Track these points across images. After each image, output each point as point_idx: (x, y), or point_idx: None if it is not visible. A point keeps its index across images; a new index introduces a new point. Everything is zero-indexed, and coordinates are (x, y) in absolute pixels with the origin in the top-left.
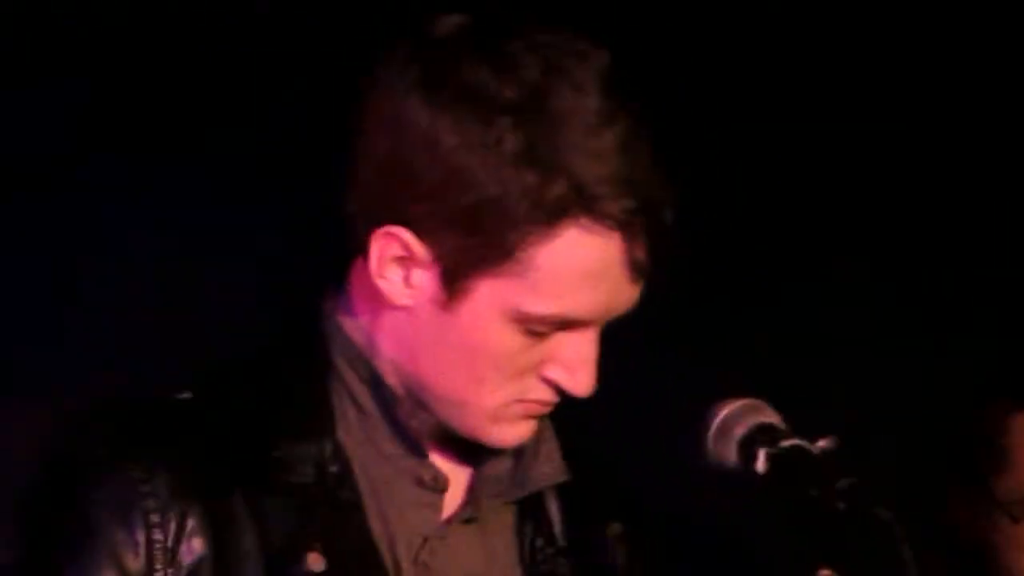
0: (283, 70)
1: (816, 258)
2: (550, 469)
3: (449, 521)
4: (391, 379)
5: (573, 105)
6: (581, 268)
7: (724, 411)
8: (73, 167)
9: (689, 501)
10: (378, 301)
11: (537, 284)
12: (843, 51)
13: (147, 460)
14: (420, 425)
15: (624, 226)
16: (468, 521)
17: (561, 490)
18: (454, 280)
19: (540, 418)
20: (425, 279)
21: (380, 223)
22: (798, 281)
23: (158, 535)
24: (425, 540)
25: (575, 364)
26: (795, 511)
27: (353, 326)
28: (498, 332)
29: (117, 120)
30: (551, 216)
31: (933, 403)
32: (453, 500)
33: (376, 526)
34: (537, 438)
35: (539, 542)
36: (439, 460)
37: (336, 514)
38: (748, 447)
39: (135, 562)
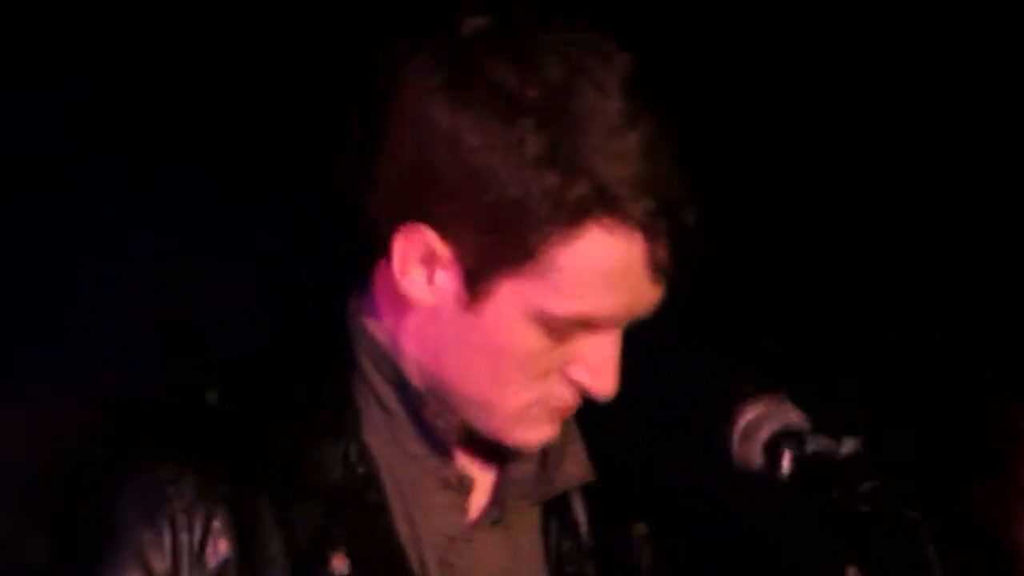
0: (283, 70)
1: (830, 252)
2: (576, 470)
3: (475, 522)
4: (416, 380)
5: (596, 106)
6: (603, 269)
7: (749, 413)
8: (73, 167)
9: (714, 501)
10: (401, 302)
11: (559, 285)
12: (851, 45)
13: (174, 461)
14: (446, 426)
15: (646, 227)
16: (494, 522)
17: (586, 491)
18: (476, 280)
19: (564, 419)
20: (448, 279)
21: (403, 223)
22: (812, 275)
23: (184, 536)
24: (451, 541)
25: (598, 365)
26: (821, 512)
27: (377, 327)
28: (521, 333)
29: (117, 120)
30: (573, 217)
31: (948, 397)
32: (479, 501)
33: (402, 527)
34: (562, 439)
35: (565, 543)
36: (465, 461)
37: (362, 516)
38: (773, 450)
39: (161, 563)
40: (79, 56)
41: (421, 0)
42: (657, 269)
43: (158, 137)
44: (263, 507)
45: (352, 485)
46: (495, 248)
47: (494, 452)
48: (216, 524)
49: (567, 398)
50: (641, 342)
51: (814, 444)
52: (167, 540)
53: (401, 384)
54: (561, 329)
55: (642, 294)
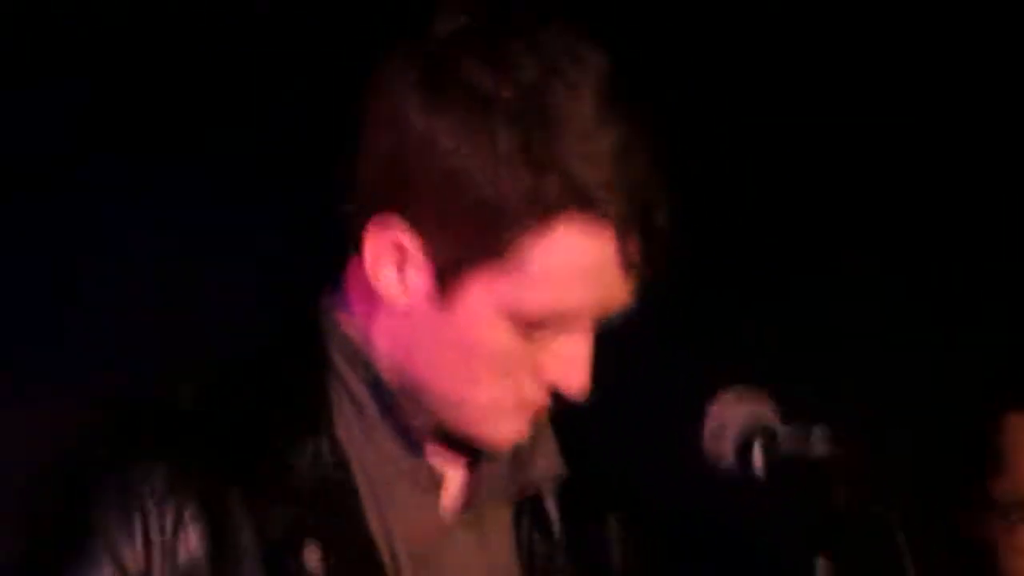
0: (283, 70)
1: (825, 252)
2: (548, 466)
3: (447, 519)
4: (388, 376)
5: (569, 107)
6: (574, 267)
7: (719, 409)
8: (73, 167)
9: (688, 497)
10: (374, 299)
11: (530, 282)
12: (851, 44)
13: (146, 458)
14: (418, 423)
15: (618, 225)
16: (466, 519)
17: (559, 488)
18: (448, 277)
19: (537, 417)
20: (419, 276)
21: (375, 220)
22: (807, 275)
23: (156, 531)
24: (423, 537)
25: (569, 364)
26: (793, 508)
27: (350, 323)
28: (492, 330)
29: (117, 120)
30: (544, 214)
31: (942, 400)
32: (451, 498)
33: (374, 523)
34: (535, 437)
35: (537, 540)
36: (437, 458)
37: (334, 509)
38: (744, 446)
39: (133, 558)
40: (79, 56)
41: (421, 0)
42: (629, 268)
43: (158, 137)
44: (235, 501)
45: (324, 480)
46: (466, 245)
47: (467, 449)
48: (187, 518)
49: (539, 396)
50: (615, 340)
51: (786, 441)
52: (139, 536)
53: (374, 380)
54: (532, 327)
55: (614, 293)
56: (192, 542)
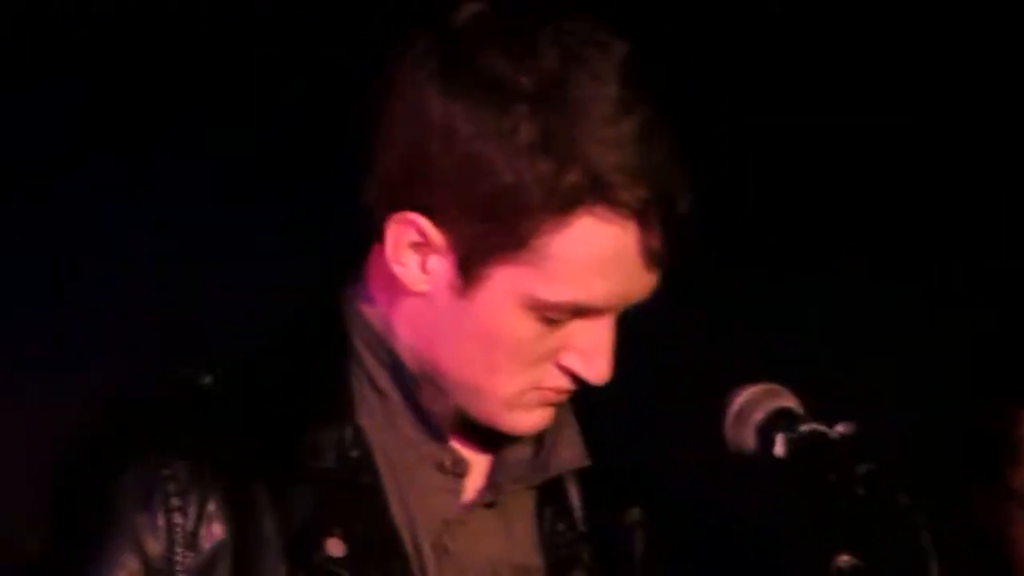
0: (283, 70)
1: (835, 247)
2: (571, 454)
3: (470, 506)
4: (410, 364)
5: (590, 94)
6: (595, 256)
7: (742, 397)
8: (73, 167)
9: (708, 487)
10: (396, 288)
11: (552, 272)
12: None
13: (168, 446)
14: (441, 410)
15: (639, 215)
16: (489, 506)
17: (581, 475)
18: (470, 267)
19: (560, 404)
20: (441, 266)
21: (397, 210)
22: (818, 269)
23: (178, 519)
24: (445, 524)
25: (591, 352)
26: (814, 497)
27: (372, 312)
28: (514, 319)
29: (117, 120)
30: (565, 204)
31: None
32: (474, 485)
33: (397, 510)
34: (558, 423)
35: (559, 527)
36: (460, 445)
37: (356, 499)
38: (767, 432)
39: (156, 547)
40: (79, 56)
41: (421, 0)
42: (650, 257)
43: (158, 137)
44: (258, 490)
45: (347, 468)
46: (488, 235)
47: (489, 436)
48: (210, 507)
49: (560, 384)
50: (635, 328)
51: (807, 426)
52: (161, 524)
53: (396, 368)
54: (554, 316)
55: (635, 282)
56: (215, 532)
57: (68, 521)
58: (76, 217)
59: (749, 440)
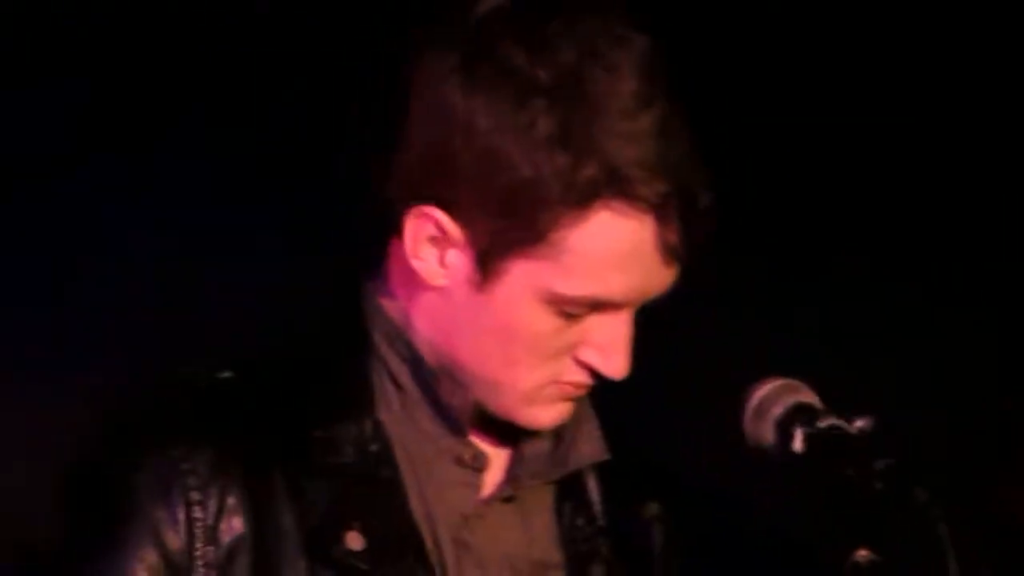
0: (283, 70)
1: (867, 240)
2: (590, 448)
3: (489, 500)
4: (429, 358)
5: (609, 88)
6: (613, 250)
7: (761, 391)
8: (73, 167)
9: (726, 481)
10: (415, 282)
11: (570, 266)
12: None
13: (188, 440)
14: (460, 404)
15: (657, 209)
16: (507, 500)
17: (600, 470)
18: (488, 261)
19: (579, 398)
20: (460, 260)
21: (415, 204)
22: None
23: (198, 513)
24: (464, 519)
25: (609, 346)
26: (832, 491)
27: (391, 306)
28: (532, 313)
29: (117, 120)
30: (583, 198)
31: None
32: (493, 479)
33: (416, 505)
34: (577, 418)
35: (578, 522)
36: (479, 439)
37: (376, 493)
38: (785, 427)
39: (176, 540)
40: (79, 56)
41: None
42: (668, 251)
43: (158, 137)
44: (277, 484)
45: (366, 462)
46: (506, 229)
47: (508, 430)
48: (230, 501)
49: (578, 379)
50: (654, 322)
51: (826, 421)
52: (181, 517)
53: (415, 362)
54: (572, 310)
55: (653, 276)
56: (235, 525)
57: (87, 515)
58: (76, 217)
59: (768, 435)
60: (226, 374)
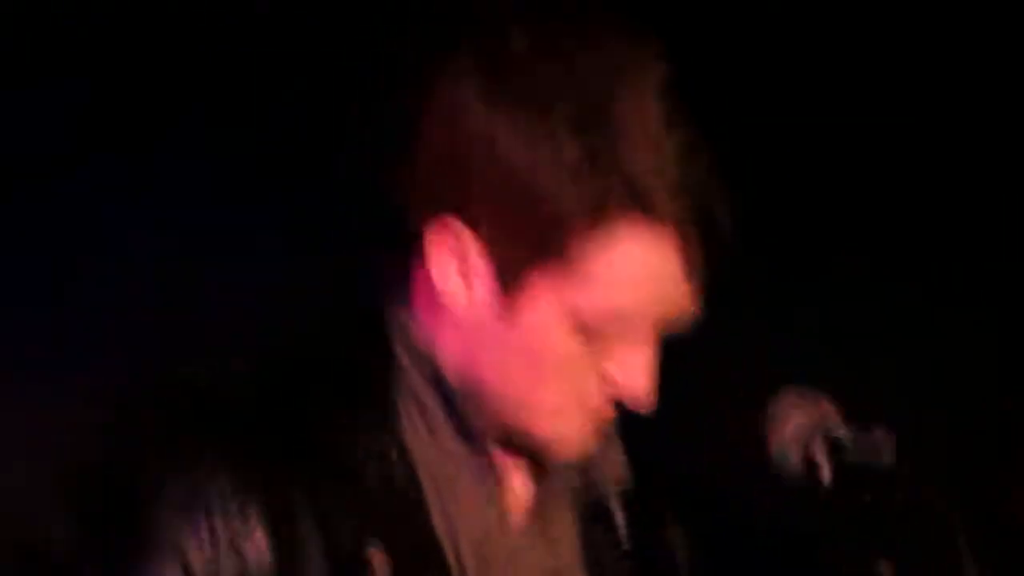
0: (283, 70)
1: (882, 252)
2: (614, 472)
3: (513, 521)
4: (453, 377)
5: (632, 109)
6: (634, 267)
7: (783, 413)
8: (73, 167)
9: (752, 505)
10: (438, 301)
11: (591, 284)
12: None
13: (212, 459)
14: (483, 424)
15: (679, 227)
16: (532, 521)
17: (624, 492)
18: (510, 280)
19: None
20: (482, 278)
21: (437, 223)
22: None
23: (221, 531)
24: (487, 538)
25: (634, 375)
26: (855, 510)
27: (416, 325)
28: (555, 333)
29: (117, 120)
30: (605, 216)
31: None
32: (516, 499)
33: (439, 523)
34: (602, 443)
35: (603, 544)
36: (503, 459)
37: (399, 511)
38: (810, 456)
39: (200, 558)
40: (79, 56)
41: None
42: (690, 269)
43: (158, 137)
44: (300, 502)
45: (389, 480)
46: (527, 247)
47: (532, 449)
48: (253, 518)
49: (603, 406)
50: (679, 349)
51: (852, 451)
52: (205, 536)
53: (438, 381)
54: (595, 330)
55: (675, 295)
56: (258, 542)
57: (107, 530)
58: (76, 217)
59: (792, 460)
60: (250, 389)
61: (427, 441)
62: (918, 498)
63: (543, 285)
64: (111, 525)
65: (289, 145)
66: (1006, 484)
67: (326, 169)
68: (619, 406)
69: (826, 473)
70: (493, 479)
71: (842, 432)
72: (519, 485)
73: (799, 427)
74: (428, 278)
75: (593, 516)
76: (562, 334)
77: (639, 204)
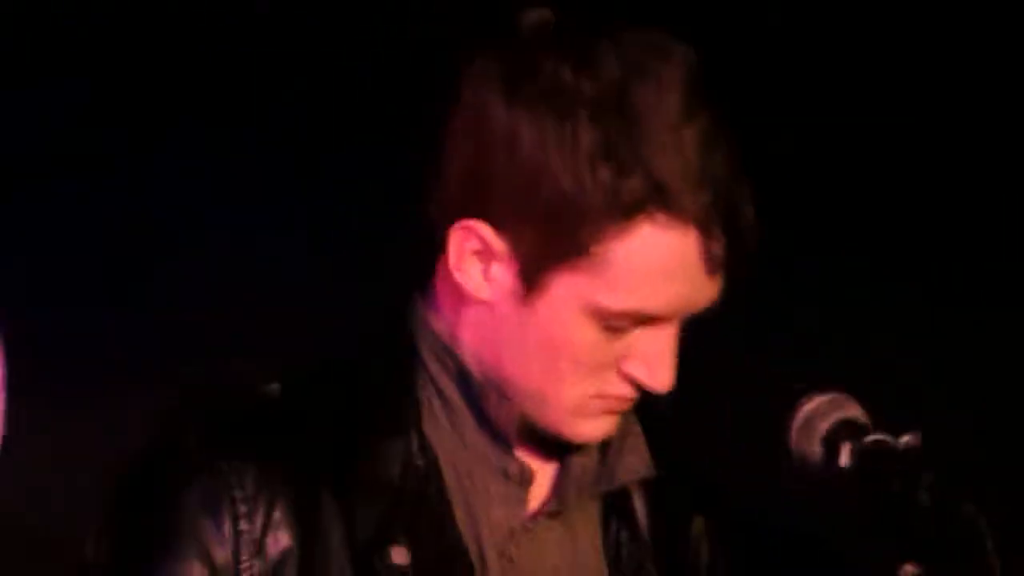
0: (283, 70)
1: (912, 257)
2: (636, 463)
3: (535, 515)
4: (475, 372)
5: (652, 101)
6: (657, 264)
7: (807, 406)
8: (73, 167)
9: (772, 497)
10: (460, 296)
11: (613, 279)
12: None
13: (236, 455)
14: (506, 418)
15: (701, 222)
16: (553, 515)
17: (646, 485)
18: (532, 274)
19: (625, 412)
20: (504, 273)
21: (460, 218)
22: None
23: (245, 526)
24: (511, 533)
25: (654, 360)
26: (879, 506)
27: (438, 321)
28: (576, 327)
29: (117, 120)
30: (626, 211)
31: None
32: (539, 493)
33: (462, 519)
34: (623, 432)
35: (624, 537)
36: (525, 453)
37: (422, 507)
38: (832, 442)
39: (222, 553)
40: (79, 56)
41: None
42: (712, 263)
43: (158, 137)
44: (324, 499)
45: (412, 477)
46: (549, 243)
47: (554, 444)
48: (277, 515)
49: (623, 393)
50: (697, 336)
51: (873, 436)
52: (228, 531)
53: (462, 376)
54: (616, 324)
55: (697, 290)
56: (281, 540)
57: (133, 528)
58: (77, 217)
59: (814, 450)
60: (274, 388)
61: (451, 439)
62: (947, 500)
63: (565, 282)
64: (136, 523)
65: (289, 145)
66: (990, 477)
67: (326, 169)
68: (639, 389)
69: (845, 458)
70: (518, 475)
71: (863, 420)
72: (542, 478)
73: (822, 415)
74: (451, 276)
75: (614, 509)
76: (583, 327)
77: (661, 200)
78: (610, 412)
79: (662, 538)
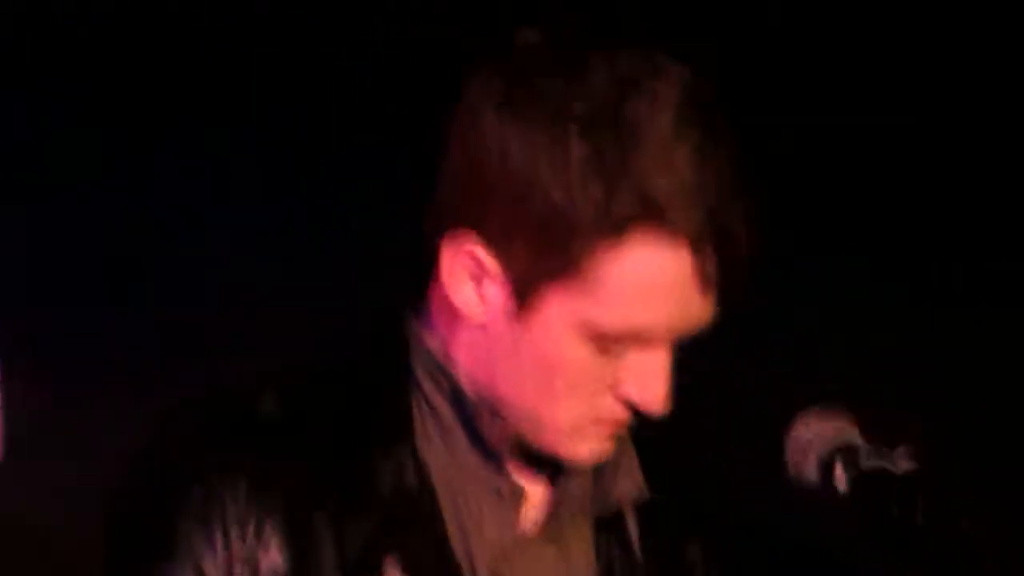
0: (283, 70)
1: (907, 270)
2: (630, 486)
3: (527, 535)
4: (469, 392)
5: (645, 118)
6: (649, 281)
7: (803, 427)
8: (73, 167)
9: (768, 518)
10: (454, 314)
11: (605, 297)
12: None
13: (228, 467)
14: (499, 437)
15: (693, 239)
16: (546, 535)
17: (640, 506)
18: (524, 292)
19: (619, 434)
20: (496, 291)
21: (452, 235)
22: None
23: (237, 541)
24: (503, 552)
25: (648, 382)
26: (878, 527)
27: (432, 339)
28: (569, 346)
29: (117, 120)
30: (617, 227)
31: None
32: (531, 513)
33: (454, 538)
34: (617, 453)
35: (617, 558)
36: (518, 472)
37: (414, 525)
38: (829, 467)
39: (213, 567)
40: (79, 56)
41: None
42: (705, 282)
43: (158, 137)
44: (317, 516)
45: (405, 495)
46: (541, 258)
47: (547, 463)
48: (268, 530)
49: (618, 415)
50: (694, 355)
51: (869, 460)
52: (220, 547)
53: (455, 395)
54: (610, 343)
55: (690, 308)
56: (273, 554)
57: (125, 540)
58: (77, 217)
59: (811, 473)
60: (268, 403)
61: (444, 456)
62: (945, 520)
63: (558, 298)
64: (129, 535)
65: (289, 145)
66: (989, 477)
67: (326, 169)
68: (634, 412)
69: (841, 480)
70: (511, 493)
71: (859, 440)
72: (535, 497)
73: (816, 434)
74: (444, 291)
75: (607, 529)
76: (577, 346)
77: (652, 216)
78: (605, 433)
79: (655, 558)
